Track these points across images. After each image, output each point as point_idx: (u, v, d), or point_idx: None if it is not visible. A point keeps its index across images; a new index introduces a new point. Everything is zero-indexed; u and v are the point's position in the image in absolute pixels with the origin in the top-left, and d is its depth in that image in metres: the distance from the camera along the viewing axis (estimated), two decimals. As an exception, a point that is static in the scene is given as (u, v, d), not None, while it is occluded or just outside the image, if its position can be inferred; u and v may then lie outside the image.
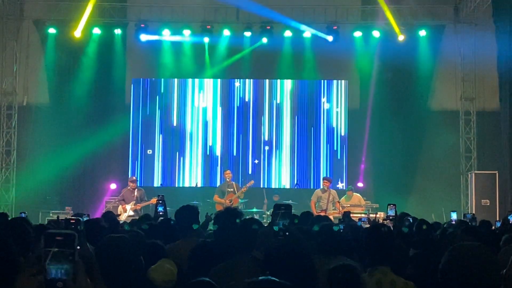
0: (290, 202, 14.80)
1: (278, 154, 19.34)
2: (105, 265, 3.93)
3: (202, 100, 19.57)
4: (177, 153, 19.40)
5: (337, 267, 3.76)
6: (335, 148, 19.32)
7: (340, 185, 18.71)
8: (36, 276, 2.27)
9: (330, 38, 18.65)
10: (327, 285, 3.89)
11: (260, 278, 2.67)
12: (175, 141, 19.46)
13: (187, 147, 19.43)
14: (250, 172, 19.07)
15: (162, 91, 19.59)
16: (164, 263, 4.41)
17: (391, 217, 7.13)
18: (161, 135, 19.49)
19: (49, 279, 2.23)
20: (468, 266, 2.65)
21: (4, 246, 2.86)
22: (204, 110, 19.51)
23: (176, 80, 19.61)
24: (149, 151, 19.34)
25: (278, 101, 19.49)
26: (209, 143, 19.44)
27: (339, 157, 19.24)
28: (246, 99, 19.52)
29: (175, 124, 19.50)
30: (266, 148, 19.22)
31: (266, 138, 19.33)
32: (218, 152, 19.41)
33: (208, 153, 19.40)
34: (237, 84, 19.50)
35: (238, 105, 19.49)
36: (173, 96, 19.57)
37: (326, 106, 19.40)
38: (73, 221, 4.00)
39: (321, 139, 19.39)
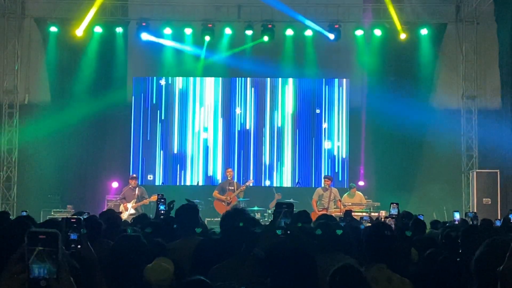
0: (291, 200, 14.80)
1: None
2: (116, 264, 3.93)
3: (205, 101, 19.56)
4: (179, 153, 19.42)
5: (340, 269, 3.74)
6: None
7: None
8: (19, 274, 2.28)
9: (331, 36, 18.62)
10: (327, 282, 3.89)
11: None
12: (177, 142, 19.45)
13: (189, 148, 19.43)
14: (251, 171, 19.10)
15: (163, 90, 19.57)
16: (160, 261, 4.40)
17: (393, 216, 7.14)
18: (161, 140, 19.48)
19: (32, 278, 2.22)
20: (502, 259, 2.77)
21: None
22: (204, 112, 19.53)
23: (177, 78, 19.60)
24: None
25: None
26: (210, 144, 19.44)
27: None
28: (247, 105, 19.49)
29: (176, 123, 19.49)
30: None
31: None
32: (219, 153, 19.42)
33: (209, 155, 19.42)
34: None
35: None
36: (173, 95, 19.55)
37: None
38: (74, 220, 3.95)
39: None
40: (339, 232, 5.19)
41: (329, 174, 17.65)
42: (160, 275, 4.25)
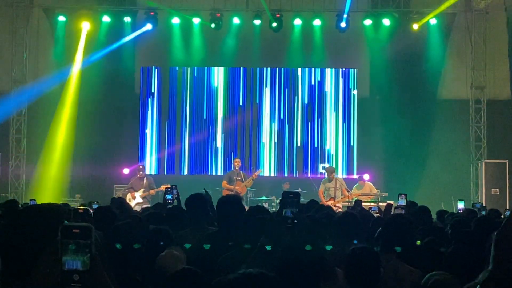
0: (299, 190, 14.78)
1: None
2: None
3: (211, 91, 19.56)
4: (186, 142, 19.44)
5: (357, 250, 3.76)
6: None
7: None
8: (52, 268, 2.32)
9: (343, 24, 18.47)
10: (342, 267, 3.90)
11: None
12: (185, 131, 19.47)
13: (196, 137, 19.43)
14: (260, 161, 19.14)
15: (171, 79, 19.58)
16: (172, 250, 4.45)
17: (402, 207, 7.14)
18: (169, 130, 19.49)
19: (65, 271, 2.27)
20: None
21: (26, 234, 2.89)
22: (212, 101, 19.52)
23: (185, 68, 19.59)
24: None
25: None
26: (218, 135, 19.45)
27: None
28: (254, 95, 19.48)
29: (183, 113, 19.49)
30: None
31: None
32: (227, 142, 19.43)
33: (215, 144, 19.43)
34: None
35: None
36: (181, 84, 19.55)
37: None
38: (81, 211, 3.96)
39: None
40: (328, 248, 5.15)
41: (330, 166, 17.56)
42: (174, 263, 4.28)
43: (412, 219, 5.97)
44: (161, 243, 4.75)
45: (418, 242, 5.03)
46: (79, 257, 2.27)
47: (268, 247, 3.87)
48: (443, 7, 18.12)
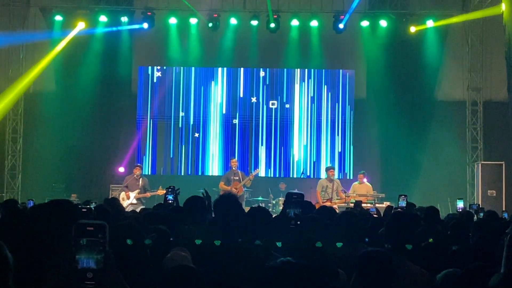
0: (295, 191, 14.78)
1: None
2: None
3: (209, 91, 19.55)
4: (183, 143, 19.43)
5: (368, 253, 3.74)
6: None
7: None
8: (65, 265, 2.28)
9: (341, 25, 18.48)
10: (354, 269, 3.88)
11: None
12: (181, 131, 19.46)
13: (194, 137, 19.42)
14: (258, 162, 19.15)
15: (168, 79, 19.56)
16: (177, 251, 4.45)
17: (402, 208, 7.14)
18: (166, 130, 19.47)
19: (78, 269, 2.24)
20: None
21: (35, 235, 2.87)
22: (210, 101, 19.51)
23: (182, 68, 19.57)
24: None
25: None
26: (215, 135, 19.43)
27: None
28: (252, 96, 19.48)
29: (181, 112, 19.48)
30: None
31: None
32: (223, 142, 19.42)
33: (213, 144, 19.42)
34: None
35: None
36: (179, 85, 19.54)
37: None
38: (85, 210, 3.94)
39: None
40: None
41: (332, 165, 17.60)
42: (181, 263, 4.28)
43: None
44: (161, 243, 4.74)
45: (431, 240, 5.02)
46: (93, 255, 2.24)
47: (278, 244, 3.88)
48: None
